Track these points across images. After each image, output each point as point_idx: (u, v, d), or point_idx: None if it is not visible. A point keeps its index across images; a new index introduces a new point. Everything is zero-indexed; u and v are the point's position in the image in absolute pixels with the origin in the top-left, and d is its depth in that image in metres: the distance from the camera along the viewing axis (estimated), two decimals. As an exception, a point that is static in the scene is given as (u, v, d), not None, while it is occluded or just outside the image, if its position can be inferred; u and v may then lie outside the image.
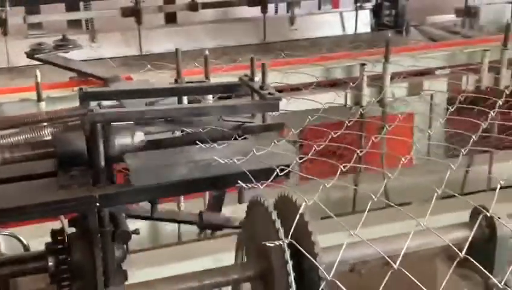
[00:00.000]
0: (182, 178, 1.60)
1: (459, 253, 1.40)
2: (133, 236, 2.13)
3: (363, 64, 2.54)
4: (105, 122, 1.55)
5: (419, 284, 1.37)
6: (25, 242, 2.12)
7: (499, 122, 2.06)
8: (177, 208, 2.46)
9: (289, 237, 1.29)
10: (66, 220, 1.81)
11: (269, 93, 1.68)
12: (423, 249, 1.54)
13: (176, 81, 2.27)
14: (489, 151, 2.75)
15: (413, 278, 1.42)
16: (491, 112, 1.92)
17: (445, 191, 1.52)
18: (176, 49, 2.16)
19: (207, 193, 2.29)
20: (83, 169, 1.63)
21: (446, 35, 4.51)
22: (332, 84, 2.68)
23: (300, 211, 1.32)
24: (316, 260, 1.29)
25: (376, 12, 4.85)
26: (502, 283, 1.43)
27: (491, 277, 1.46)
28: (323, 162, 1.72)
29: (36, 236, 2.05)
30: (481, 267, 1.49)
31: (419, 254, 2.19)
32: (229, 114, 1.76)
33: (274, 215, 1.34)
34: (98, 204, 1.56)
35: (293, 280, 1.27)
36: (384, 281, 1.35)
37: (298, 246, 1.29)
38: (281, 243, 1.27)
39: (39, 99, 2.39)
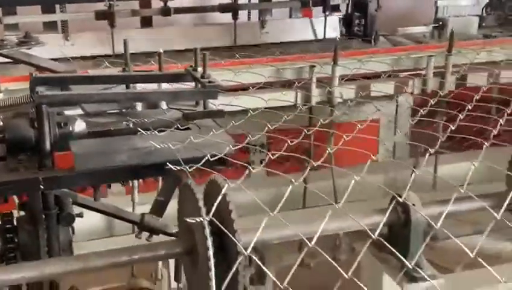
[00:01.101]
0: (122, 164, 1.71)
1: (372, 235, 1.51)
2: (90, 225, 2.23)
3: (312, 66, 2.67)
4: (50, 104, 1.66)
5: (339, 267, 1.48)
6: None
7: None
8: (130, 199, 2.56)
9: (210, 214, 1.40)
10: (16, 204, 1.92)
11: (209, 82, 1.80)
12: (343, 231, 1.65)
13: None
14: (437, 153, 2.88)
15: (330, 259, 1.54)
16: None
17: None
18: (124, 42, 2.26)
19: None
20: (30, 155, 1.74)
21: (412, 44, 4.67)
22: (284, 85, 2.80)
23: (222, 192, 1.43)
24: (234, 237, 1.40)
25: (347, 22, 5.00)
26: (412, 264, 1.56)
27: (404, 259, 1.57)
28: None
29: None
30: (395, 251, 1.61)
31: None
32: (171, 100, 1.87)
33: (198, 195, 1.45)
34: (42, 186, 1.67)
35: (211, 254, 1.38)
36: (300, 258, 1.47)
37: (217, 222, 1.40)
38: (202, 219, 1.38)
39: (-3, 91, 2.49)
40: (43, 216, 1.78)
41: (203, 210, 1.41)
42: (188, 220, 1.39)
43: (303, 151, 2.83)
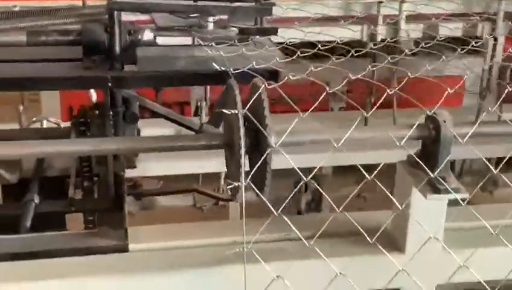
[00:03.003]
0: (180, 69, 1.90)
1: (403, 146, 1.62)
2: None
3: (380, 2, 2.74)
4: (121, 10, 1.86)
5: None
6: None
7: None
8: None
9: (245, 108, 1.56)
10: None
11: (265, 0, 1.95)
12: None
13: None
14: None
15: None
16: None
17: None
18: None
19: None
20: (103, 57, 1.96)
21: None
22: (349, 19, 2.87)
23: (259, 90, 1.59)
24: (265, 130, 1.56)
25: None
26: (435, 174, 1.66)
27: (429, 171, 1.67)
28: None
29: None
30: (422, 164, 1.72)
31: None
32: (231, 14, 2.02)
33: (237, 91, 1.61)
34: (110, 84, 1.89)
35: (243, 143, 1.54)
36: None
37: (250, 115, 1.56)
38: (236, 111, 1.55)
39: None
40: (111, 113, 2.02)
41: (239, 104, 1.57)
42: (224, 111, 1.56)
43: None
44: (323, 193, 2.48)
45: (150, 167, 2.54)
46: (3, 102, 2.94)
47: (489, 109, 1.85)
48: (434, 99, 1.88)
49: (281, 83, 1.75)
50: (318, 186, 2.85)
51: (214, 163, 2.59)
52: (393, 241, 1.95)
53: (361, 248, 1.83)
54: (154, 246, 1.91)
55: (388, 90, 1.70)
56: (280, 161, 1.66)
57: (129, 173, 2.38)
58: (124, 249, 1.87)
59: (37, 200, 2.02)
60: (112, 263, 1.82)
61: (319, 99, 1.66)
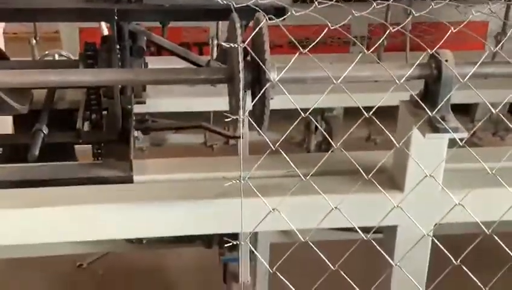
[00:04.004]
0: (184, 3, 1.91)
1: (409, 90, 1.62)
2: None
3: None
4: None
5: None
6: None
7: None
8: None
9: (245, 43, 1.57)
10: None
11: None
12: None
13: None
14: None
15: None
16: None
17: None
18: None
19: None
20: (110, -10, 1.97)
21: None
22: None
23: (259, 25, 1.59)
24: (264, 65, 1.57)
25: None
26: (433, 113, 1.66)
27: (427, 110, 1.67)
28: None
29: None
30: (422, 103, 1.72)
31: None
32: None
33: (237, 25, 1.61)
34: (116, 17, 1.90)
35: (242, 76, 1.56)
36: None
37: (249, 49, 1.57)
38: (236, 45, 1.56)
39: None
40: (118, 47, 2.04)
41: (239, 37, 1.58)
42: (224, 44, 1.57)
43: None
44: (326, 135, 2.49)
45: (160, 103, 2.57)
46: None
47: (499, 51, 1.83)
48: (457, 45, 1.86)
49: (283, 18, 1.74)
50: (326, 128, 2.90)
51: (224, 100, 2.60)
52: (393, 180, 1.97)
53: (359, 185, 1.85)
54: (158, 178, 1.95)
55: (390, 28, 1.69)
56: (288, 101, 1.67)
57: (138, 109, 2.42)
58: (129, 180, 1.92)
59: (45, 130, 2.07)
60: (116, 193, 1.87)
61: (320, 36, 1.65)
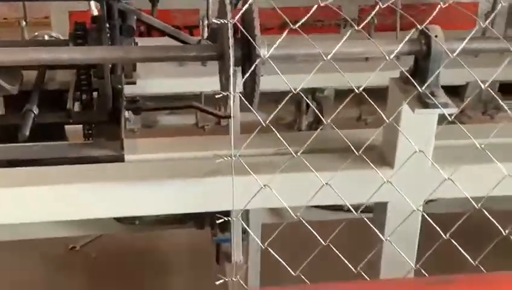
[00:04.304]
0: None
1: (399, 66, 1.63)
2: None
3: None
4: None
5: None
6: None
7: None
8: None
9: (235, 18, 1.56)
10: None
11: None
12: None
13: None
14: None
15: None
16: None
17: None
18: None
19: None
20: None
21: None
22: None
23: (249, 2, 1.59)
24: (254, 41, 1.57)
25: None
26: (423, 89, 1.67)
27: (417, 86, 1.68)
28: None
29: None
30: (412, 79, 1.73)
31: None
32: None
33: (227, 0, 1.61)
34: (105, -5, 1.89)
35: (232, 52, 1.56)
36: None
37: (239, 25, 1.57)
38: (226, 21, 1.55)
39: None
40: (108, 26, 2.03)
41: (229, 13, 1.58)
42: (214, 20, 1.57)
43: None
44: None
45: (150, 83, 2.57)
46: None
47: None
48: (448, 26, 1.86)
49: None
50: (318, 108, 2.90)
51: (215, 81, 2.60)
52: (384, 157, 1.99)
53: (350, 162, 1.86)
54: (149, 157, 1.96)
55: (380, 4, 1.69)
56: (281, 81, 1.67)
57: (129, 90, 2.41)
58: (120, 159, 1.92)
59: (36, 111, 2.06)
60: (107, 172, 1.87)
61: (310, 12, 1.65)
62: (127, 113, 2.78)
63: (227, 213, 2.31)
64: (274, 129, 1.74)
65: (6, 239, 2.95)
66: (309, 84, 3.01)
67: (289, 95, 1.66)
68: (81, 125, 2.28)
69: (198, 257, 3.41)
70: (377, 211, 2.10)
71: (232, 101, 1.63)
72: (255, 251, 2.79)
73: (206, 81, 2.62)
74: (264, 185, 1.69)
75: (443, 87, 1.83)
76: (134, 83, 2.41)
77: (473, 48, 1.75)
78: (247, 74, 1.60)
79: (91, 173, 1.86)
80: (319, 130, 1.78)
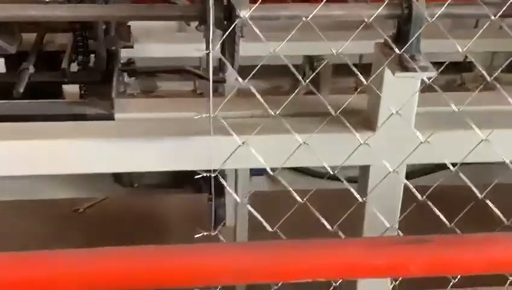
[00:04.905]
0: None
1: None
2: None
3: None
4: None
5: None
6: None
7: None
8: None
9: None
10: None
11: None
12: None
13: None
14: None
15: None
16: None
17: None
18: None
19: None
20: None
21: None
22: None
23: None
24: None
25: None
26: (401, 51, 1.70)
27: (395, 48, 1.71)
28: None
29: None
30: (392, 44, 1.75)
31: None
32: None
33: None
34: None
35: (212, 11, 1.60)
36: None
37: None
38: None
39: None
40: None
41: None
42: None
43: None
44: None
45: (148, 48, 2.62)
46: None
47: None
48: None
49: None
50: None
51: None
52: (368, 121, 2.01)
53: (333, 125, 1.89)
54: (138, 116, 2.02)
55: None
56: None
57: (126, 53, 2.47)
58: (110, 118, 1.98)
59: (32, 69, 2.13)
60: (97, 129, 1.94)
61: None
62: (126, 78, 2.84)
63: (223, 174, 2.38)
64: (255, 92, 1.79)
65: (9, 199, 3.05)
66: (304, 52, 3.06)
67: (266, 56, 1.69)
68: (77, 86, 2.34)
69: (198, 221, 3.48)
70: (361, 175, 2.13)
71: (210, 61, 1.68)
72: (243, 214, 2.86)
73: (202, 47, 2.66)
74: (243, 143, 1.74)
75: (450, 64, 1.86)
76: (131, 47, 2.46)
77: (454, 12, 1.77)
78: (226, 34, 1.64)
79: (80, 129, 1.92)
80: (297, 90, 1.81)
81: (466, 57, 3.21)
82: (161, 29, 2.73)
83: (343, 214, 2.16)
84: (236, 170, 2.72)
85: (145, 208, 3.74)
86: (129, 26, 2.34)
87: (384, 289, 2.13)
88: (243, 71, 2.97)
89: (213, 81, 2.35)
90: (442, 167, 2.91)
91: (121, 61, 2.34)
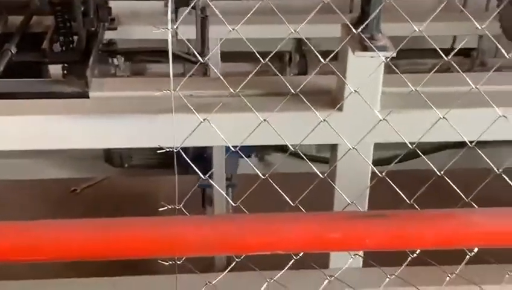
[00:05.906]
0: None
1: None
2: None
3: None
4: None
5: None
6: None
7: None
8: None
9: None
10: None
11: None
12: None
13: None
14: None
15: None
16: None
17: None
18: None
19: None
20: None
21: None
22: None
23: None
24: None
25: None
26: (358, 30, 1.73)
27: (352, 28, 1.74)
28: None
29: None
30: (349, 23, 1.78)
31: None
32: None
33: None
34: None
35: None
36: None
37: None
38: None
39: None
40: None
41: None
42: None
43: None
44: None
45: (131, 30, 2.67)
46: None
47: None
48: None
49: None
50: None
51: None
52: (336, 101, 2.04)
53: (298, 104, 1.93)
54: (112, 94, 2.08)
55: None
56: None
57: (109, 35, 2.53)
58: (85, 96, 2.05)
59: (14, 50, 2.20)
60: (71, 106, 2.00)
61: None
62: (116, 61, 2.91)
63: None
64: (218, 73, 1.83)
65: (6, 178, 3.15)
66: (293, 35, 3.07)
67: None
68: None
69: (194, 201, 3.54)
70: (331, 154, 2.17)
71: (170, 38, 1.73)
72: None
73: (189, 29, 2.71)
74: (204, 119, 1.78)
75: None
76: (115, 29, 2.52)
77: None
78: (187, 11, 1.69)
79: (56, 106, 1.99)
80: (254, 71, 1.85)
81: (453, 41, 3.25)
82: (147, 12, 2.78)
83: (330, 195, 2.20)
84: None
85: (142, 189, 3.82)
86: (109, 7, 2.40)
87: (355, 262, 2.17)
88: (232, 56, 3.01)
89: (193, 62, 2.41)
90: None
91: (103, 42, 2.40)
